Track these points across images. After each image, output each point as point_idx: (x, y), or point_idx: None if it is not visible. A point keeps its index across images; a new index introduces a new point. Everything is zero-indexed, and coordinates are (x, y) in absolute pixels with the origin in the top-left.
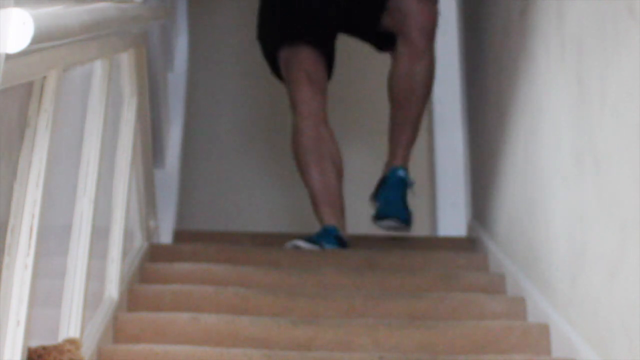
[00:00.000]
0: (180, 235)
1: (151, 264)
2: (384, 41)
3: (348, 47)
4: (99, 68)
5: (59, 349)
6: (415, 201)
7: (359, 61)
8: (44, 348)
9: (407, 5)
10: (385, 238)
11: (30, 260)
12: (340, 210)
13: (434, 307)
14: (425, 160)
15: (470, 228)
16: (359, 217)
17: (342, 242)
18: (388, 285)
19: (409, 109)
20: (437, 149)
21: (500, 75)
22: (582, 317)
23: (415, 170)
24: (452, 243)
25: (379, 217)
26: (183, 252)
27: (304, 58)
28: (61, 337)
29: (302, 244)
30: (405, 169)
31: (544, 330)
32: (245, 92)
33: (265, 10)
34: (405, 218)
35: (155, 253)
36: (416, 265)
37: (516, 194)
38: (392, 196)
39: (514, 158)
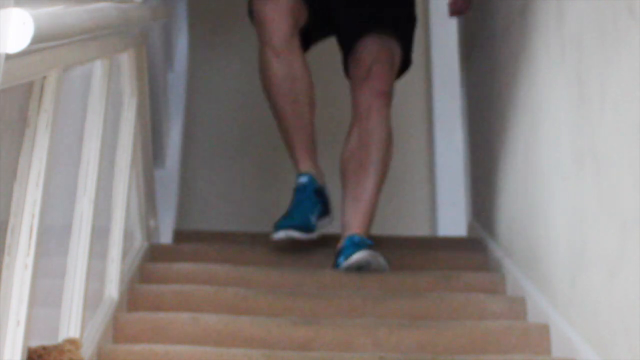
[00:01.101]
0: (180, 235)
1: (151, 264)
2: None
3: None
4: (99, 68)
5: (59, 349)
6: (415, 201)
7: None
8: (44, 348)
9: (361, 60)
10: (386, 238)
11: (30, 260)
12: (313, 151)
13: (434, 307)
14: (425, 160)
15: (470, 228)
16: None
17: (321, 194)
18: (388, 285)
19: (365, 178)
20: (437, 149)
21: (500, 75)
22: (582, 317)
23: (415, 170)
24: (452, 243)
25: (346, 259)
26: (183, 252)
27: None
28: (61, 337)
29: (297, 234)
30: (362, 236)
31: (544, 330)
32: (245, 92)
33: None
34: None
35: (155, 253)
36: (416, 265)
37: (516, 194)
38: (357, 249)
39: (514, 158)
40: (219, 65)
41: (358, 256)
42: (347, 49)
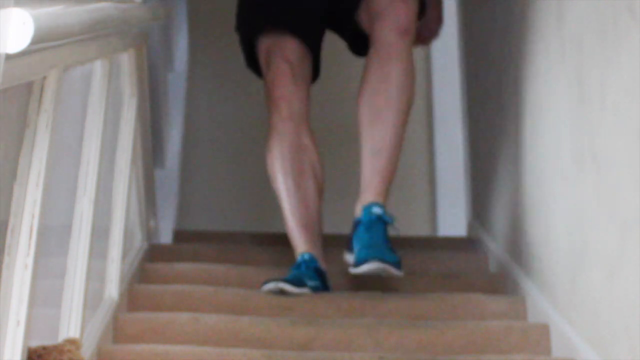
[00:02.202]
0: (180, 235)
1: (151, 264)
2: (361, 44)
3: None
4: (99, 68)
5: (59, 349)
6: (415, 201)
7: (348, 55)
8: (44, 348)
9: (377, 2)
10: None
11: (30, 260)
12: (318, 236)
13: (434, 307)
14: (425, 160)
15: (470, 228)
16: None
17: (322, 275)
18: (388, 285)
19: (383, 127)
20: (437, 149)
21: (501, 75)
22: (582, 317)
23: (415, 170)
24: (452, 243)
25: (357, 263)
26: (183, 252)
27: (288, 49)
28: (61, 337)
29: (289, 287)
30: (382, 205)
31: (544, 330)
32: (245, 92)
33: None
34: (390, 259)
35: (155, 253)
36: (416, 265)
37: (516, 194)
38: (370, 239)
39: (514, 158)
40: (219, 65)
41: (368, 267)
42: (353, 6)
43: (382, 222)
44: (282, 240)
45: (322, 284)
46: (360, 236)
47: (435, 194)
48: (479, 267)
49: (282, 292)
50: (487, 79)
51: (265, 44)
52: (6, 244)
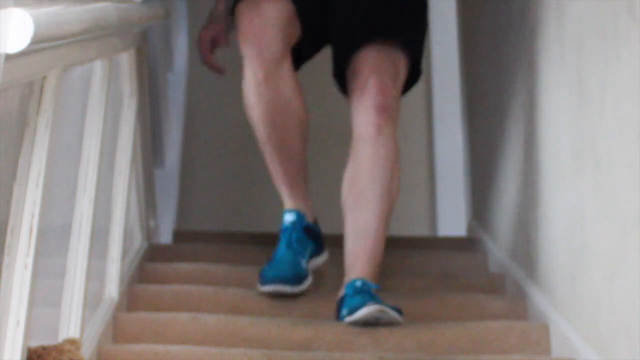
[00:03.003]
0: (180, 235)
1: (151, 264)
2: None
3: None
4: (99, 68)
5: (59, 349)
6: (415, 201)
7: None
8: (44, 348)
9: (359, 72)
10: (385, 238)
11: (30, 260)
12: (304, 185)
13: (434, 307)
14: (425, 160)
15: (470, 228)
16: None
17: (312, 233)
18: (388, 285)
19: (366, 210)
20: (437, 149)
21: (500, 75)
22: (582, 317)
23: (416, 170)
24: (452, 243)
25: (351, 311)
26: (183, 252)
27: (272, 3)
28: (61, 337)
29: (288, 289)
30: (366, 280)
31: (544, 330)
32: None
33: None
34: (387, 304)
35: (155, 253)
36: (416, 265)
37: (516, 194)
38: (361, 298)
39: (514, 158)
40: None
41: (364, 312)
42: (344, 61)
43: (367, 291)
44: None
45: (315, 244)
46: (347, 302)
47: (435, 194)
48: (479, 267)
49: (283, 294)
50: (487, 79)
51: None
52: (6, 244)
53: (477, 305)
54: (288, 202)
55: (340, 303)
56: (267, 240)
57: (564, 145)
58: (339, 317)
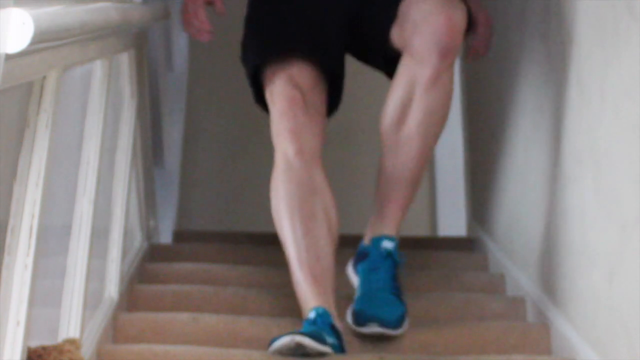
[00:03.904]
0: (180, 235)
1: (151, 264)
2: (394, 65)
3: None
4: (99, 68)
5: (59, 349)
6: (415, 201)
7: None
8: (44, 348)
9: (416, 12)
10: None
11: (30, 260)
12: (331, 290)
13: (434, 307)
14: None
15: (470, 228)
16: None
17: (337, 333)
18: None
19: (406, 157)
20: (437, 149)
21: (500, 75)
22: (582, 317)
23: None
24: (452, 243)
25: (357, 320)
26: (183, 252)
27: (296, 73)
28: (61, 337)
29: (308, 341)
30: (395, 239)
31: (544, 330)
32: (245, 92)
33: (250, 22)
34: (391, 315)
35: (155, 253)
36: (416, 265)
37: (516, 194)
38: (376, 283)
39: (514, 158)
40: (219, 65)
41: (367, 331)
42: (390, 14)
43: (390, 259)
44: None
45: (339, 344)
46: (365, 276)
47: (435, 194)
48: (478, 267)
49: (299, 349)
50: (487, 79)
51: (271, 70)
52: (6, 244)
53: (477, 305)
54: (312, 301)
55: (361, 256)
56: (267, 240)
57: (564, 145)
58: (355, 264)
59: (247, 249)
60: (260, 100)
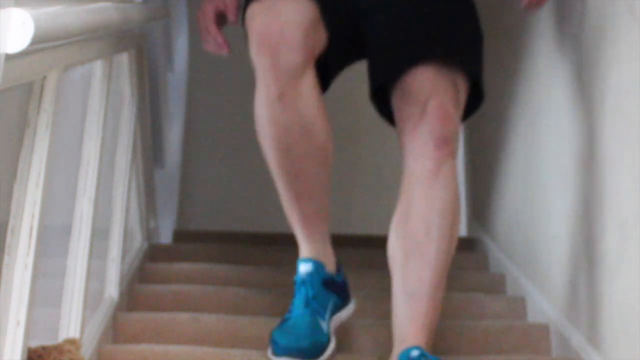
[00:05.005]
0: (180, 235)
1: (151, 264)
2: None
3: None
4: (99, 68)
5: (59, 349)
6: None
7: None
8: (44, 348)
9: (414, 93)
10: (385, 238)
11: (30, 260)
12: (323, 225)
13: None
14: None
15: (470, 228)
16: (359, 217)
17: (332, 284)
18: (388, 285)
19: (421, 263)
20: None
21: (501, 75)
22: (582, 317)
23: None
24: None
25: None
26: (183, 252)
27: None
28: (61, 337)
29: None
30: (422, 349)
31: (544, 330)
32: (245, 92)
33: None
34: None
35: (155, 253)
36: None
37: (516, 194)
38: None
39: (514, 158)
40: (219, 65)
41: None
42: (390, 81)
43: None
44: (282, 240)
45: (338, 296)
46: None
47: None
48: (479, 267)
49: None
50: (487, 79)
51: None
52: (6, 244)
53: (477, 305)
54: (304, 247)
55: None
56: (267, 240)
57: (564, 145)
58: None
59: (247, 249)
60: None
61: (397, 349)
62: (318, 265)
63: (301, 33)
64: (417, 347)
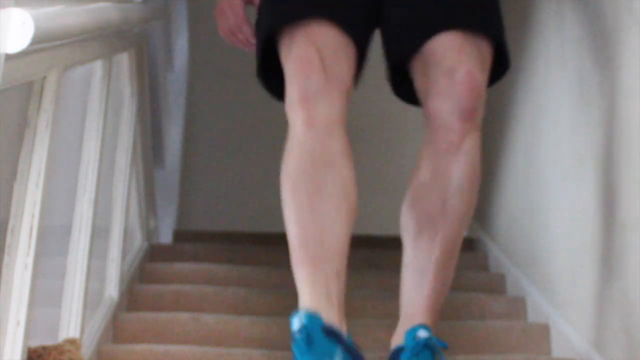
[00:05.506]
0: (180, 235)
1: (151, 264)
2: (409, 91)
3: None
4: (99, 68)
5: (59, 349)
6: None
7: None
8: (44, 348)
9: (438, 60)
10: (386, 238)
11: (30, 260)
12: (334, 274)
13: None
14: None
15: (470, 228)
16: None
17: (336, 337)
18: (388, 285)
19: (433, 240)
20: None
21: None
22: (582, 317)
23: None
24: None
25: None
26: (183, 252)
27: (315, 33)
28: (61, 337)
29: None
30: (430, 328)
31: (544, 330)
32: (245, 92)
33: None
34: None
35: (155, 253)
36: None
37: (516, 194)
38: None
39: (513, 158)
40: (219, 65)
41: None
42: (408, 51)
43: (429, 350)
44: (282, 240)
45: (346, 353)
46: None
47: None
48: (479, 267)
49: None
50: None
51: (288, 34)
52: (6, 244)
53: (477, 305)
54: (305, 299)
55: (394, 357)
56: (267, 240)
57: (564, 145)
58: None
59: (247, 249)
60: (264, 74)
61: (404, 324)
62: (314, 317)
63: (342, 55)
64: (424, 327)
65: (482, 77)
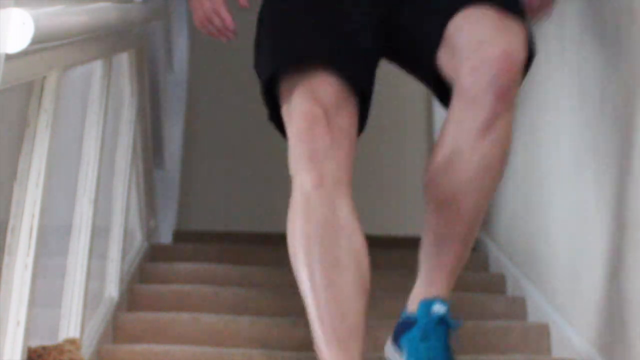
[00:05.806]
0: (180, 235)
1: (151, 264)
2: (446, 92)
3: None
4: (99, 68)
5: (59, 349)
6: (415, 201)
7: None
8: (44, 348)
9: (466, 38)
10: (386, 238)
11: (30, 260)
12: (358, 353)
13: None
14: (425, 160)
15: None
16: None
17: None
18: (388, 285)
19: (455, 215)
20: None
21: None
22: (582, 317)
23: (416, 170)
24: None
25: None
26: (183, 252)
27: (318, 86)
28: (61, 337)
29: None
30: (447, 302)
31: (544, 330)
32: (245, 92)
33: (264, 22)
34: None
35: (155, 253)
36: (416, 266)
37: (516, 194)
38: (427, 352)
39: (513, 158)
40: (219, 65)
41: None
42: (434, 36)
43: (443, 326)
44: (282, 240)
45: None
46: (414, 345)
47: None
48: (479, 267)
49: None
50: None
51: (288, 82)
52: (6, 244)
53: (477, 305)
54: None
55: (406, 328)
56: (267, 240)
57: (564, 145)
58: (396, 339)
59: (247, 249)
60: (275, 116)
61: (419, 291)
62: None
63: (343, 139)
64: (441, 301)
65: (520, 48)
